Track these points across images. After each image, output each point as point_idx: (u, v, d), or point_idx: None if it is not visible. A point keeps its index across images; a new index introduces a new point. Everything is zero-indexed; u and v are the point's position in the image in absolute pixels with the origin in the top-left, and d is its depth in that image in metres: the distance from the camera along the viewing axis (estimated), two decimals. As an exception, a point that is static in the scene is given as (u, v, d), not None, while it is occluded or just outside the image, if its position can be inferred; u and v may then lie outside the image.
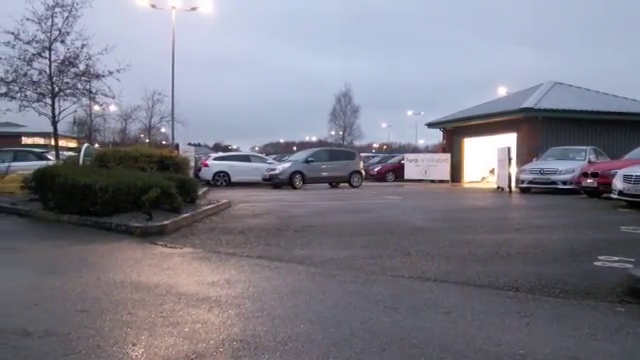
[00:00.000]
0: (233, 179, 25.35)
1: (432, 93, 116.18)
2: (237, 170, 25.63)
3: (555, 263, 6.36)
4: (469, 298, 4.86)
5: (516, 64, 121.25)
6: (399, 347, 3.54)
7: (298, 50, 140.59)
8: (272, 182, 24.01)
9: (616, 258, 6.43)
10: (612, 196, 13.32)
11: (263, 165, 26.63)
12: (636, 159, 15.27)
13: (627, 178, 12.64)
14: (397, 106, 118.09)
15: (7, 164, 15.18)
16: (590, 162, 18.45)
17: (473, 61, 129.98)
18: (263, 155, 35.44)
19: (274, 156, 40.82)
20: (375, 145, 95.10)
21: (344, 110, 79.72)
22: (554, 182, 18.64)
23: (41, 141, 53.10)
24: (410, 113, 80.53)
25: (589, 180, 16.09)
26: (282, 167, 24.33)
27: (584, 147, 20.54)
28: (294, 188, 23.11)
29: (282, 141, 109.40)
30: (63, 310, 4.40)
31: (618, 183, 12.92)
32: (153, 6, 29.50)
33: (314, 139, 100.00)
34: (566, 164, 18.90)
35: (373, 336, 3.75)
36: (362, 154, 48.18)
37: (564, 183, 18.32)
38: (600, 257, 6.53)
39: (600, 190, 15.54)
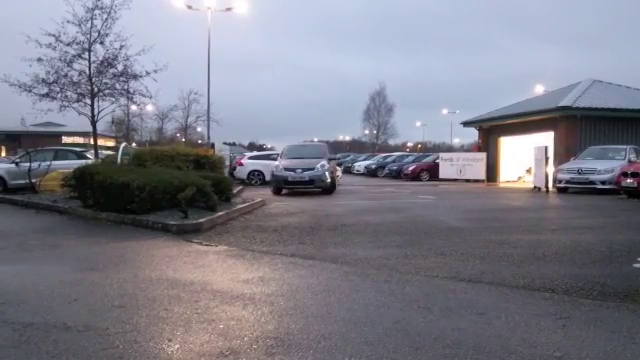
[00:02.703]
0: (267, 178, 25.45)
1: (466, 92, 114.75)
2: (271, 169, 25.70)
3: (593, 265, 6.23)
4: (504, 299, 4.81)
5: (550, 62, 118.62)
6: (432, 347, 3.53)
7: (331, 51, 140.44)
8: (312, 187, 18.25)
9: (657, 260, 6.27)
10: (653, 196, 12.98)
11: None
12: (679, 158, 14.83)
13: (669, 178, 12.29)
14: (431, 105, 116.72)
15: (48, 163, 15.55)
16: (630, 161, 17.95)
17: (506, 59, 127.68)
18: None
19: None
20: (409, 144, 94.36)
21: (378, 109, 79.73)
22: (592, 182, 18.21)
23: (80, 140, 54.40)
24: (445, 112, 79.65)
25: (629, 180, 15.69)
26: (320, 165, 18.40)
27: (624, 146, 20.02)
28: (329, 194, 18.35)
29: (316, 140, 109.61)
30: (101, 305, 4.52)
31: (660, 183, 12.57)
32: (189, 7, 29.88)
33: (347, 138, 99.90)
34: (605, 163, 18.43)
35: (406, 336, 3.74)
36: (396, 153, 48.02)
37: (603, 183, 17.87)
38: (640, 259, 6.38)
39: (641, 190, 15.15)
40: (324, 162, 18.94)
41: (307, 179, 17.90)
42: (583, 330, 3.92)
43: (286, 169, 18.23)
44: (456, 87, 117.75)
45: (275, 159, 27.12)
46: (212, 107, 34.01)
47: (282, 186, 18.16)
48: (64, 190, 12.62)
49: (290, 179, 17.98)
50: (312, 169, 18.07)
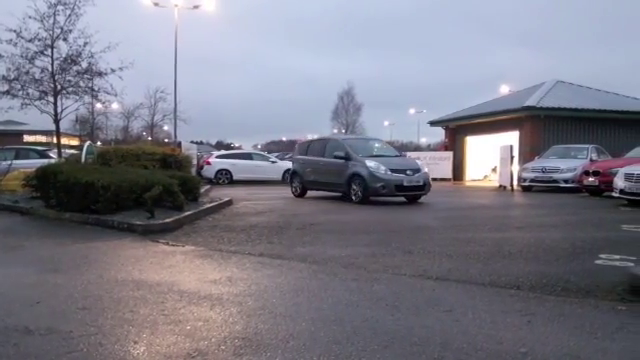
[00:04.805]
0: (235, 177, 25.37)
1: (433, 92, 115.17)
2: (239, 168, 25.64)
3: (557, 261, 6.36)
4: (471, 296, 4.86)
5: (516, 64, 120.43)
6: (400, 345, 3.54)
7: (301, 51, 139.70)
8: (422, 192, 14.81)
9: (617, 257, 6.42)
10: (613, 194, 13.32)
11: (265, 163, 26.61)
12: (637, 157, 15.25)
13: (628, 176, 12.64)
14: (399, 105, 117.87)
15: (9, 162, 15.17)
16: (592, 160, 18.40)
17: (473, 61, 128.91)
18: (265, 153, 35.47)
19: (276, 154, 40.85)
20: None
21: (346, 108, 79.88)
22: (556, 180, 18.62)
23: (43, 139, 53.26)
24: (412, 111, 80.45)
25: (591, 179, 16.06)
26: (421, 165, 15.54)
27: (586, 145, 20.51)
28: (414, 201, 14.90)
29: (284, 139, 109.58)
30: (65, 308, 4.42)
31: (619, 182, 12.91)
32: (156, 4, 29.56)
33: (316, 137, 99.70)
34: (568, 162, 18.86)
35: (375, 334, 3.75)
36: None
37: (566, 182, 18.29)
38: (601, 256, 6.52)
39: (601, 189, 15.53)
40: (420, 162, 16.58)
41: (421, 183, 14.53)
42: (548, 326, 3.99)
43: (393, 171, 14.21)
44: (423, 88, 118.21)
45: (244, 158, 27.14)
46: (179, 105, 33.84)
47: (392, 192, 14.22)
48: (26, 190, 12.32)
49: (406, 183, 14.17)
50: (419, 170, 14.68)
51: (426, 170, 15.12)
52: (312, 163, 16.43)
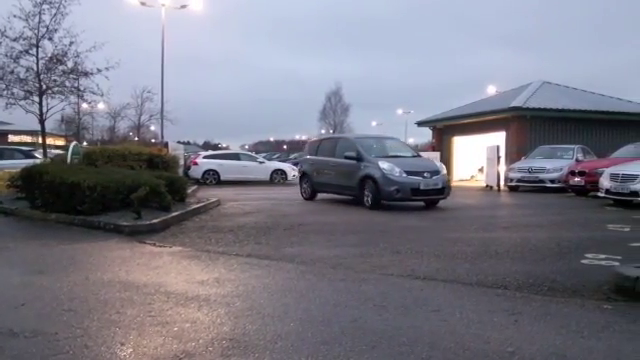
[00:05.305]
0: (223, 177, 25.26)
1: (421, 93, 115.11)
2: (227, 168, 25.54)
3: (543, 261, 6.40)
4: (458, 296, 4.88)
5: (505, 65, 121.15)
6: (389, 345, 3.55)
7: (289, 51, 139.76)
8: (441, 197, 13.34)
9: (603, 256, 6.48)
10: (599, 194, 13.43)
11: (253, 164, 26.54)
12: (622, 158, 15.39)
13: (614, 176, 12.76)
14: (387, 105, 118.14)
15: (-6, 162, 15.05)
16: (578, 161, 18.54)
17: (461, 62, 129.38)
18: (253, 153, 35.38)
19: (264, 154, 40.78)
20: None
21: (334, 108, 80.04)
22: (542, 181, 18.74)
23: (28, 139, 52.72)
24: (400, 112, 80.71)
25: (576, 179, 16.20)
26: (440, 165, 14.14)
27: (572, 146, 20.65)
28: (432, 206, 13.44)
29: (272, 139, 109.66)
30: (51, 310, 4.38)
31: (605, 182, 13.02)
32: (142, 3, 29.35)
33: (304, 137, 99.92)
34: (554, 163, 19.00)
35: (363, 334, 3.76)
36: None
37: (552, 182, 18.42)
38: (587, 255, 6.58)
39: (587, 188, 15.65)
40: (438, 162, 15.45)
41: (440, 186, 13.02)
42: (534, 325, 4.01)
43: (409, 173, 12.78)
44: (411, 88, 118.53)
45: (231, 158, 27.06)
46: (166, 105, 33.63)
47: (408, 196, 12.83)
48: (10, 191, 12.20)
49: (423, 187, 12.70)
50: (438, 172, 13.24)
51: (445, 172, 13.75)
52: (322, 164, 15.18)
